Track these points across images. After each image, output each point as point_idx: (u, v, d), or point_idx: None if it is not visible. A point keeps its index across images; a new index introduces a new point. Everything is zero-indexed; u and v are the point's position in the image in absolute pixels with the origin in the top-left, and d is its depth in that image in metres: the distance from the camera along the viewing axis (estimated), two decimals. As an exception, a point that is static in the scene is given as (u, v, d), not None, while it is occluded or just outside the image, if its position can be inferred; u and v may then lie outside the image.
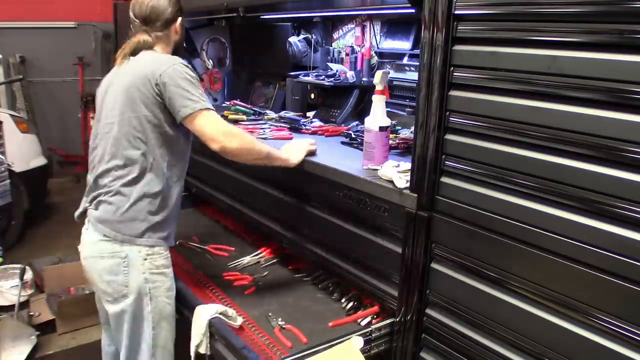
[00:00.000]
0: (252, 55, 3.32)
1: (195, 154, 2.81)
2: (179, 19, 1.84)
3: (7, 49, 4.66)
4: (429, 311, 1.47)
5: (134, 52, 1.76)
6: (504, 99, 1.20)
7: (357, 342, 1.48)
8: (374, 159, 1.70)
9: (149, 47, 1.77)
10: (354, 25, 2.56)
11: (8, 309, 2.63)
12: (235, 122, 2.59)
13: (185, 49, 3.30)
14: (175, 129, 1.69)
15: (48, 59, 4.87)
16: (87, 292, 2.64)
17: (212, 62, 3.38)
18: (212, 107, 1.66)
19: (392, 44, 2.33)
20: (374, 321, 1.68)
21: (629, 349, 1.04)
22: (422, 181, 1.42)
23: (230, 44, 3.44)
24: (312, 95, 2.72)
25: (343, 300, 1.86)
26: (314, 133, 2.35)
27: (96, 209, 1.72)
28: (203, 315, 1.66)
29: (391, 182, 1.54)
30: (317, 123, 2.48)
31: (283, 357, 1.45)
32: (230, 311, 1.68)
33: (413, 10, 1.46)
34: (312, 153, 1.87)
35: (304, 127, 2.40)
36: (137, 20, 1.79)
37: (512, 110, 1.19)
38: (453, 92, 1.32)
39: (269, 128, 2.39)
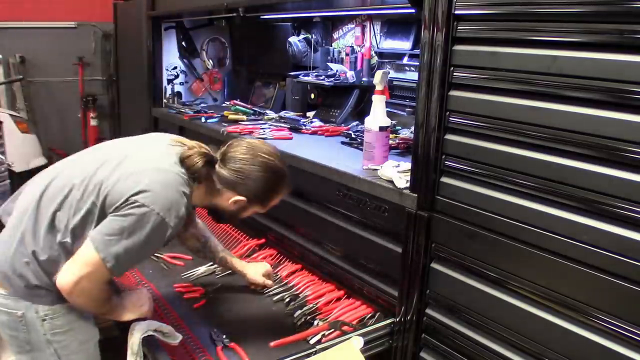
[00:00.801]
0: (252, 55, 3.32)
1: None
2: (243, 201, 1.52)
3: (7, 49, 4.66)
4: (429, 311, 1.47)
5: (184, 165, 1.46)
6: (504, 99, 1.20)
7: (357, 342, 1.48)
8: (374, 159, 1.70)
9: (192, 172, 1.46)
10: (354, 25, 2.56)
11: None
12: (235, 122, 2.59)
13: (185, 50, 3.31)
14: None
15: (48, 59, 4.86)
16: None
17: (212, 62, 3.39)
18: (113, 268, 1.37)
19: (392, 44, 2.33)
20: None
21: (629, 349, 1.04)
22: (422, 181, 1.42)
23: (230, 44, 3.44)
24: (312, 95, 2.72)
25: (296, 314, 1.72)
26: (314, 133, 2.35)
27: None
28: (136, 333, 1.49)
29: (391, 182, 1.54)
30: (317, 123, 2.49)
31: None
32: (167, 328, 1.51)
33: (413, 10, 1.46)
34: (142, 315, 1.61)
35: (304, 127, 2.40)
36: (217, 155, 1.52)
37: (512, 110, 1.19)
38: (453, 92, 1.32)
39: (269, 128, 2.40)
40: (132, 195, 1.35)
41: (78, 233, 1.41)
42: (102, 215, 1.39)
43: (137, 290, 1.70)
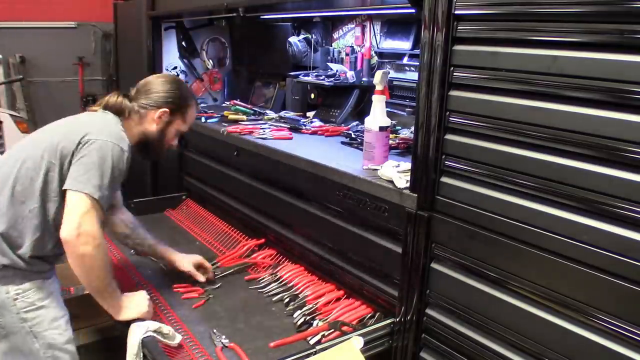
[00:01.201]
0: (252, 55, 3.32)
1: (191, 153, 2.82)
2: (166, 112, 1.74)
3: (7, 49, 4.66)
4: (429, 311, 1.47)
5: (111, 110, 1.72)
6: (504, 99, 1.20)
7: (357, 342, 1.48)
8: (374, 159, 1.70)
9: (117, 111, 1.71)
10: (354, 25, 2.56)
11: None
12: (235, 122, 2.59)
13: (185, 50, 3.31)
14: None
15: (48, 59, 4.86)
16: (88, 291, 2.63)
17: (212, 62, 3.38)
18: (101, 199, 1.53)
19: (392, 44, 2.32)
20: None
21: (629, 349, 1.04)
22: (422, 181, 1.42)
23: (230, 44, 3.44)
24: (312, 95, 2.72)
25: (296, 315, 1.73)
26: (314, 133, 2.35)
27: None
28: (135, 333, 1.53)
29: (391, 182, 1.54)
30: (317, 123, 2.49)
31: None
32: (166, 328, 1.55)
33: (413, 10, 1.46)
34: (140, 316, 1.66)
35: (304, 127, 2.40)
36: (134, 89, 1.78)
37: (512, 110, 1.19)
38: (453, 92, 1.32)
39: (269, 128, 2.39)
40: (82, 138, 1.54)
41: (47, 194, 1.55)
42: (61, 168, 1.55)
43: (138, 292, 1.73)
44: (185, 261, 1.97)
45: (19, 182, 1.56)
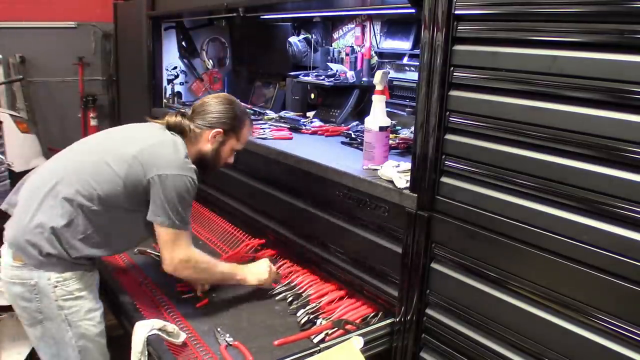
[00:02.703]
0: (252, 55, 3.31)
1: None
2: (220, 133, 1.78)
3: (7, 49, 4.65)
4: (429, 311, 1.47)
5: (169, 128, 1.77)
6: (504, 99, 1.20)
7: (357, 342, 1.48)
8: (374, 159, 1.70)
9: (179, 130, 1.76)
10: (354, 25, 2.56)
11: (8, 309, 2.63)
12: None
13: (185, 50, 3.31)
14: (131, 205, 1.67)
15: (48, 59, 4.85)
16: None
17: (212, 62, 3.38)
18: (183, 227, 1.66)
19: (392, 44, 2.32)
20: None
21: (629, 349, 1.04)
22: (422, 181, 1.42)
23: (230, 44, 3.44)
24: (312, 95, 2.72)
25: (299, 313, 1.74)
26: (314, 133, 2.35)
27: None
28: (140, 332, 1.54)
29: (391, 182, 1.54)
30: (317, 123, 2.49)
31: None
32: (171, 327, 1.57)
33: (413, 10, 1.46)
34: (269, 282, 1.88)
35: (304, 127, 2.40)
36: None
37: (512, 110, 1.19)
38: (453, 92, 1.32)
39: (269, 128, 2.39)
40: (157, 170, 1.61)
41: (103, 200, 1.61)
42: (128, 186, 1.62)
43: (260, 261, 1.93)
44: None
45: (80, 183, 1.60)
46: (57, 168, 1.67)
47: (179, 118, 1.78)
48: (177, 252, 1.67)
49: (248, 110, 2.77)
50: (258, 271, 1.86)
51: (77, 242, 1.60)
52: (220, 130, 1.78)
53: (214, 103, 1.81)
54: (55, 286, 1.59)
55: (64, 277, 1.60)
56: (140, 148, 1.65)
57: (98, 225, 1.63)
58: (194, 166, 1.69)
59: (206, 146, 1.79)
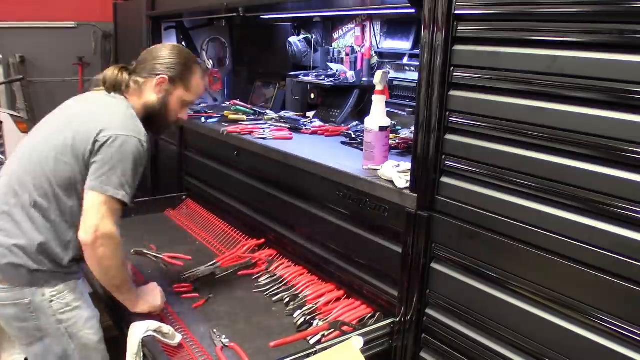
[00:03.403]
0: (252, 55, 3.32)
1: (191, 153, 2.82)
2: (165, 80, 1.64)
3: (7, 49, 4.66)
4: (429, 311, 1.47)
5: (109, 87, 1.64)
6: (504, 99, 1.20)
7: (357, 342, 1.48)
8: (374, 159, 1.70)
9: (118, 87, 1.63)
10: (354, 25, 2.56)
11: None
12: (235, 122, 2.59)
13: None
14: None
15: (48, 59, 4.86)
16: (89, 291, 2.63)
17: (212, 62, 3.38)
18: (124, 197, 1.50)
19: (392, 44, 2.33)
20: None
21: (629, 349, 1.04)
22: (422, 181, 1.42)
23: (230, 44, 3.44)
24: (312, 95, 2.72)
25: (296, 315, 1.73)
26: (314, 133, 2.35)
27: None
28: (135, 333, 1.52)
29: (391, 182, 1.54)
30: (317, 123, 2.48)
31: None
32: (167, 328, 1.54)
33: (413, 10, 1.46)
34: (154, 309, 1.71)
35: (304, 127, 2.40)
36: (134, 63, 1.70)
37: (512, 110, 1.19)
38: (453, 92, 1.32)
39: (269, 128, 2.39)
40: (99, 134, 1.47)
41: (62, 187, 1.50)
42: (79, 166, 1.49)
43: (150, 285, 1.78)
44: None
45: (36, 188, 1.51)
46: (14, 176, 1.56)
47: (115, 72, 1.63)
48: (105, 223, 1.46)
49: (250, 109, 2.78)
50: (152, 297, 1.71)
51: (58, 250, 1.53)
52: (165, 76, 1.64)
53: (158, 49, 1.68)
54: (51, 301, 1.54)
55: (58, 290, 1.54)
56: (81, 120, 1.54)
57: (70, 224, 1.52)
58: (142, 128, 1.56)
59: (151, 97, 1.65)
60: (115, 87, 1.63)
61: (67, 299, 1.56)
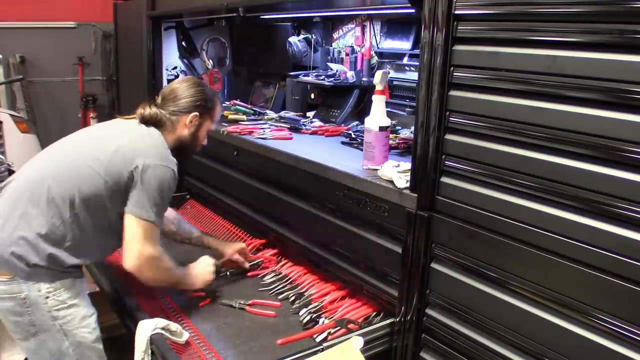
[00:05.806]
0: (252, 55, 3.32)
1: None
2: (195, 115, 1.79)
3: (7, 49, 4.66)
4: (429, 311, 1.47)
5: (143, 121, 1.75)
6: (504, 99, 1.20)
7: (357, 342, 1.48)
8: (374, 159, 1.70)
9: (155, 121, 1.75)
10: (354, 25, 2.56)
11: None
12: (235, 122, 2.59)
13: (185, 50, 3.31)
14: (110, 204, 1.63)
15: (48, 59, 4.86)
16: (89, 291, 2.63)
17: (212, 62, 3.38)
18: (157, 221, 1.63)
19: (392, 44, 2.32)
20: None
21: (629, 349, 1.04)
22: (422, 181, 1.42)
23: (230, 44, 3.44)
24: (312, 95, 2.72)
25: (302, 313, 1.75)
26: (314, 133, 2.35)
27: None
28: (143, 331, 1.54)
29: (391, 182, 1.54)
30: (317, 123, 2.48)
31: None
32: (174, 326, 1.57)
33: (413, 10, 1.46)
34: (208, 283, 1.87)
35: (304, 127, 2.40)
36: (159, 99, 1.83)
37: (512, 110, 1.19)
38: (453, 92, 1.32)
39: (269, 128, 2.39)
40: (138, 162, 1.59)
41: (86, 202, 1.58)
42: (111, 184, 1.59)
43: (200, 260, 1.90)
44: (230, 249, 2.08)
45: (61, 187, 1.57)
46: (36, 175, 1.62)
47: (153, 109, 1.76)
48: (147, 248, 1.61)
49: (250, 109, 2.78)
50: (203, 273, 1.85)
51: (62, 251, 1.57)
52: (197, 113, 1.79)
53: (184, 87, 1.81)
54: (47, 297, 1.56)
55: (54, 287, 1.57)
56: (120, 142, 1.64)
57: (81, 231, 1.59)
58: (174, 159, 1.69)
59: (184, 132, 1.79)
60: (152, 122, 1.76)
61: (63, 297, 1.59)
